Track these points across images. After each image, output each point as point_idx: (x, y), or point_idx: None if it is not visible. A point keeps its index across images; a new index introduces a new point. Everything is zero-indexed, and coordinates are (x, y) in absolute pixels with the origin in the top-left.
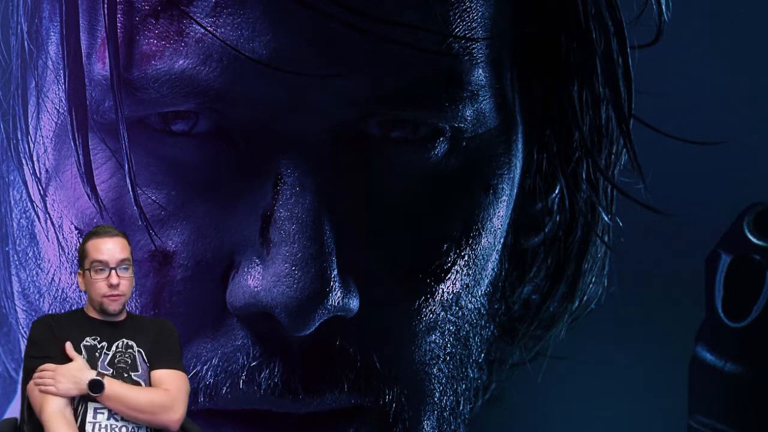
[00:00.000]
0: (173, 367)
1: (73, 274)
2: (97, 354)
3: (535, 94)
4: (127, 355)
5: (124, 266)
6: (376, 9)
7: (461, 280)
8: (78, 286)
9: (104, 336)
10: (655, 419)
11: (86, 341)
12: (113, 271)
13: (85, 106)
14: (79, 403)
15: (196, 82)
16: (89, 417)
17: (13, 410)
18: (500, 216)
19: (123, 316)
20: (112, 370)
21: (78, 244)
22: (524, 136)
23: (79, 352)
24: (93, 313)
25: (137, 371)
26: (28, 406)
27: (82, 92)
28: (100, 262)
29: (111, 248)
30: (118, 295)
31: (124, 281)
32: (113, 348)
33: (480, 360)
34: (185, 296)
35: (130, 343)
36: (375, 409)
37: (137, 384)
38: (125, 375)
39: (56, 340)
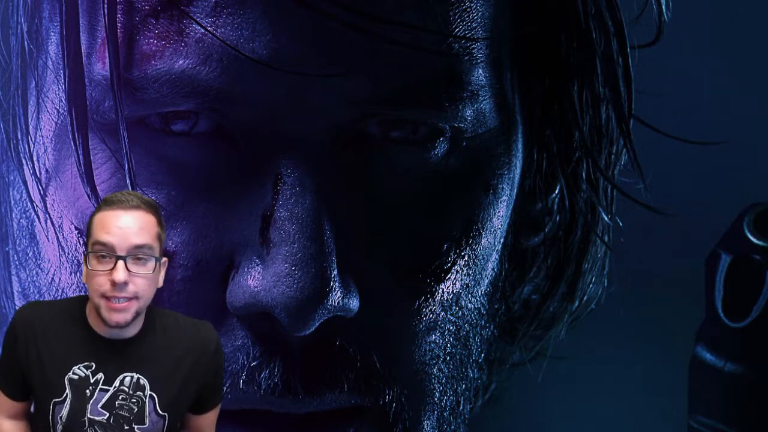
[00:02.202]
0: (219, 400)
1: (73, 274)
2: (87, 391)
3: (535, 94)
4: (133, 400)
5: (140, 255)
6: (376, 9)
7: (461, 280)
8: (77, 286)
9: (103, 361)
10: (655, 419)
11: (74, 372)
12: (120, 262)
13: (85, 106)
14: None
15: (196, 82)
16: None
17: None
18: (500, 216)
19: (137, 328)
20: (108, 415)
21: (78, 244)
22: (524, 136)
23: (63, 388)
24: (95, 320)
25: (143, 424)
26: None
27: (82, 92)
28: (104, 246)
29: (125, 227)
30: (125, 301)
31: (139, 280)
32: (115, 383)
33: (480, 360)
34: (185, 296)
35: (142, 382)
36: (375, 409)
37: None
38: (126, 427)
39: (17, 367)
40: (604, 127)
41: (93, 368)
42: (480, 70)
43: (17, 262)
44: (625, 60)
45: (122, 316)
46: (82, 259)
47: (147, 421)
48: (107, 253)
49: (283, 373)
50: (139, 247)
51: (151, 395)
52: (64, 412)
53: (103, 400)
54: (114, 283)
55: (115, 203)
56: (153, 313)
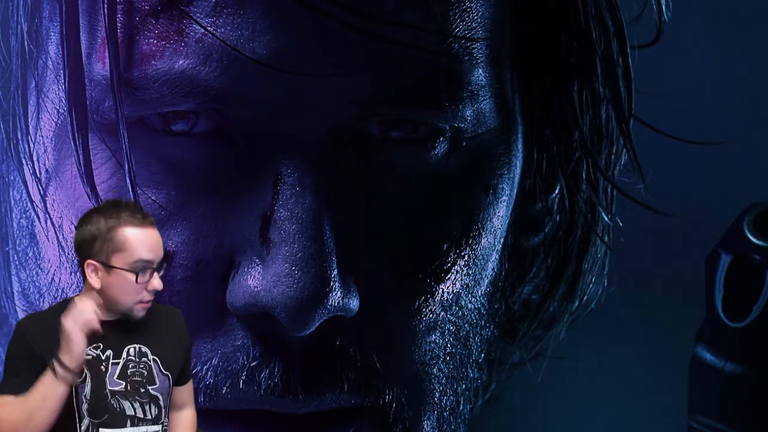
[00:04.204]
0: (190, 376)
1: (73, 274)
2: (102, 368)
3: (535, 94)
4: (141, 366)
5: (162, 264)
6: (376, 9)
7: (461, 280)
8: (77, 285)
9: (108, 341)
10: (655, 419)
11: (87, 353)
12: (156, 273)
13: (85, 106)
14: (88, 431)
15: (196, 82)
16: None
17: None
18: (500, 216)
19: None
20: (124, 383)
21: None
22: (524, 136)
23: (82, 370)
24: (98, 310)
25: (155, 384)
26: None
27: (82, 92)
28: (148, 262)
29: (158, 244)
30: (151, 300)
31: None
32: (123, 355)
33: (480, 360)
34: (185, 296)
35: (144, 349)
36: (375, 408)
37: (155, 398)
38: (142, 390)
39: (32, 360)
40: (604, 127)
41: (101, 347)
42: (480, 70)
43: (17, 262)
44: (625, 60)
45: (145, 311)
46: (88, 269)
47: (157, 381)
48: (148, 266)
49: (283, 373)
50: (163, 258)
51: (154, 359)
52: (87, 390)
53: (117, 372)
54: (151, 291)
55: (138, 220)
56: None
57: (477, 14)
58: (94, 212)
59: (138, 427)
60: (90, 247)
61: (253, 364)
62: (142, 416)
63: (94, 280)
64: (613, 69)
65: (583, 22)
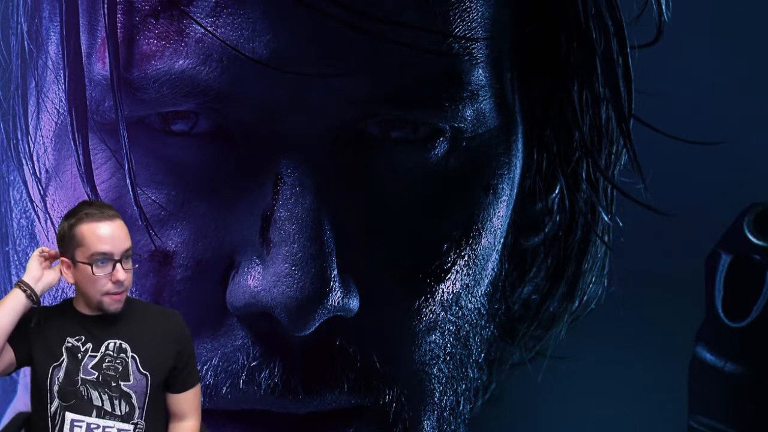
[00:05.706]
0: (196, 381)
1: None
2: (79, 356)
3: (535, 94)
4: (118, 361)
5: (127, 255)
6: (376, 9)
7: (461, 280)
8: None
9: (90, 334)
10: (655, 419)
11: (67, 342)
12: (119, 265)
13: (85, 106)
14: (56, 413)
15: (196, 82)
16: (66, 430)
17: (15, 409)
18: (500, 216)
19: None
20: (97, 374)
21: None
22: (524, 136)
23: (61, 354)
24: (82, 307)
25: (128, 380)
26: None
27: (82, 92)
28: (104, 254)
29: (116, 236)
30: (122, 293)
31: (129, 274)
32: (102, 349)
33: (480, 360)
34: (185, 296)
35: (124, 346)
36: (375, 409)
37: (127, 395)
38: (113, 384)
39: (26, 340)
40: (604, 127)
41: (83, 340)
42: (480, 70)
43: (17, 262)
44: (625, 60)
45: (120, 304)
46: (63, 266)
47: (131, 378)
48: (106, 259)
49: (283, 373)
50: (127, 249)
51: (132, 356)
52: (61, 373)
53: (93, 363)
54: (116, 282)
55: (96, 215)
56: (127, 298)
57: (477, 14)
58: (64, 216)
59: (104, 420)
60: (60, 246)
61: (253, 364)
62: (109, 410)
63: (68, 276)
64: (613, 69)
65: (583, 22)
